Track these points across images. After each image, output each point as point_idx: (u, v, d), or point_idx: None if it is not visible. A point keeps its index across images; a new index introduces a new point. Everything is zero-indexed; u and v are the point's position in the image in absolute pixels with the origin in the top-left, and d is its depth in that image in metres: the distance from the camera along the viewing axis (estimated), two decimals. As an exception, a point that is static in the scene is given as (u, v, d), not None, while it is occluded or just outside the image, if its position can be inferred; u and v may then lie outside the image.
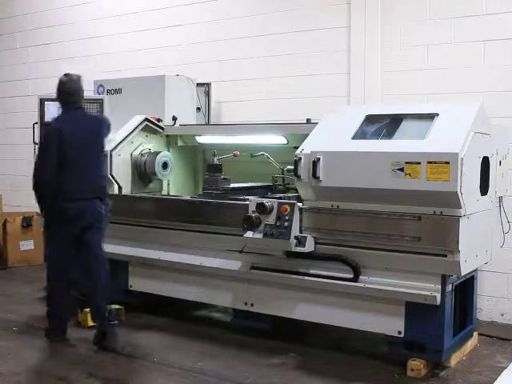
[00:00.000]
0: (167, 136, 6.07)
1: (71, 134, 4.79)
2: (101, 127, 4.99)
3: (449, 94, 5.65)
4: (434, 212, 4.04)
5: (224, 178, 5.33)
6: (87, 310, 5.37)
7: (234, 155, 5.46)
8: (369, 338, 4.92)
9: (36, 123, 5.82)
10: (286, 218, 4.51)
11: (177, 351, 4.79)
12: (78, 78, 4.95)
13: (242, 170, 5.79)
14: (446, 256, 4.06)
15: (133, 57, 7.73)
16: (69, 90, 4.87)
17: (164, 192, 5.98)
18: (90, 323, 5.33)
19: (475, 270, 4.80)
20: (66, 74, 4.94)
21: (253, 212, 4.62)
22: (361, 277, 4.42)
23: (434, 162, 3.97)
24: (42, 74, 8.71)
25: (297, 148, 4.60)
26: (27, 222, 8.09)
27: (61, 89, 4.88)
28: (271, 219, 4.56)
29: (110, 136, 5.28)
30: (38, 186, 4.85)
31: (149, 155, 5.74)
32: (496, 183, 4.69)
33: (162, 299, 5.52)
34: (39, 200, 4.92)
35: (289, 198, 4.93)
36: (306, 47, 6.52)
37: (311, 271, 4.62)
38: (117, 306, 5.52)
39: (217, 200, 5.14)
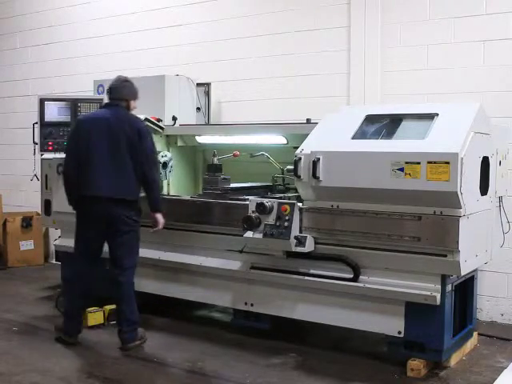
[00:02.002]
0: (167, 136, 6.06)
1: (89, 129, 4.77)
2: (132, 129, 4.78)
3: (449, 94, 5.66)
4: (434, 212, 4.04)
5: (224, 178, 5.33)
6: (87, 309, 5.38)
7: (234, 155, 5.45)
8: (369, 338, 4.92)
9: (36, 123, 5.81)
10: (286, 218, 4.51)
11: (177, 351, 4.79)
12: (120, 78, 5.00)
13: (241, 170, 5.79)
14: (445, 256, 4.06)
15: (133, 57, 7.72)
16: (108, 88, 4.96)
17: (164, 192, 5.97)
18: (90, 323, 5.34)
19: (475, 270, 4.80)
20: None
21: (253, 212, 4.62)
22: (361, 277, 4.42)
23: (434, 162, 3.97)
24: (41, 73, 8.72)
25: (297, 148, 4.60)
26: (27, 222, 8.10)
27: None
28: (271, 219, 4.56)
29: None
30: (63, 179, 4.93)
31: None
32: (496, 183, 4.69)
33: (161, 299, 5.52)
34: (65, 192, 4.93)
35: (289, 198, 4.93)
36: (305, 47, 6.52)
37: (311, 271, 4.62)
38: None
39: (217, 200, 5.14)
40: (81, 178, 4.75)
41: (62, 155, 5.78)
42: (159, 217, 4.91)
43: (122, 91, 4.92)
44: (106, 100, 5.17)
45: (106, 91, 4.98)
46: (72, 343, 4.90)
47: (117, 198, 4.72)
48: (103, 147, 4.72)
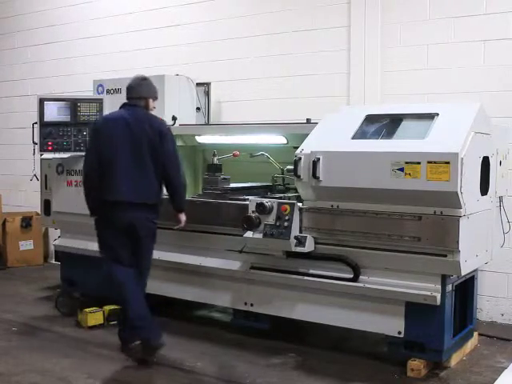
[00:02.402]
0: (167, 136, 6.05)
1: (109, 132, 4.61)
2: (152, 130, 4.61)
3: (449, 94, 5.65)
4: (434, 212, 4.04)
5: (224, 178, 5.33)
6: (87, 309, 5.39)
7: (234, 155, 5.45)
8: (369, 338, 4.91)
9: (35, 123, 5.81)
10: (286, 218, 4.51)
11: (177, 351, 4.78)
12: (138, 77, 4.85)
13: (241, 170, 5.78)
14: (446, 256, 4.06)
15: (132, 57, 7.72)
16: (127, 87, 4.79)
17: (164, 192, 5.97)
18: (90, 323, 5.34)
19: (475, 270, 4.80)
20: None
21: (253, 212, 4.62)
22: (361, 277, 4.42)
23: (434, 162, 3.97)
24: (41, 73, 8.72)
25: (297, 148, 4.60)
26: (27, 222, 8.11)
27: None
28: (271, 219, 4.56)
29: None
30: (83, 183, 4.75)
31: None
32: (496, 183, 4.69)
33: (161, 299, 5.51)
34: (85, 197, 4.74)
35: (289, 198, 4.93)
36: (305, 47, 6.51)
37: (311, 271, 4.62)
38: (117, 306, 5.53)
39: (217, 200, 5.14)
40: (102, 183, 4.57)
41: (62, 155, 5.82)
42: (182, 216, 4.83)
43: (140, 90, 4.76)
44: (106, 100, 5.08)
45: (125, 90, 4.78)
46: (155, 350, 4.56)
47: (139, 203, 4.58)
48: (125, 150, 4.56)
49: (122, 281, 4.61)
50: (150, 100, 4.80)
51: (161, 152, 4.61)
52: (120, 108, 4.79)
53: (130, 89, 4.78)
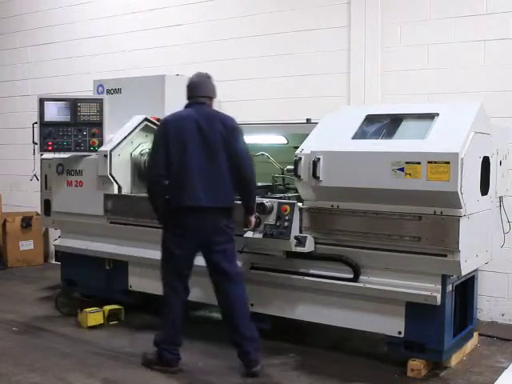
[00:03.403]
0: (167, 136, 6.04)
1: (179, 131, 4.31)
2: (226, 128, 4.34)
3: (449, 94, 5.65)
4: (434, 212, 4.04)
5: (224, 178, 5.30)
6: (87, 309, 5.38)
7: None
8: (369, 338, 4.91)
9: (35, 123, 5.80)
10: (286, 218, 4.51)
11: (177, 351, 4.78)
12: (203, 74, 4.56)
13: (241, 170, 5.77)
14: (446, 256, 4.06)
15: (132, 57, 7.72)
16: (188, 84, 4.51)
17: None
18: (90, 323, 5.33)
19: (475, 270, 4.80)
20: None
21: (253, 212, 4.62)
22: (361, 277, 4.42)
23: (434, 162, 3.97)
24: (41, 73, 8.72)
25: (297, 148, 4.60)
26: (27, 222, 8.11)
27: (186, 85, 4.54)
28: (271, 219, 4.56)
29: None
30: (147, 187, 4.46)
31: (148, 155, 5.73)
32: (496, 183, 4.69)
33: (161, 299, 5.50)
34: (150, 202, 4.45)
35: (289, 198, 4.93)
36: (305, 47, 6.51)
37: (311, 271, 4.62)
38: (117, 306, 5.54)
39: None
40: (174, 187, 4.29)
41: (62, 155, 5.82)
42: (252, 218, 4.54)
43: (207, 88, 4.50)
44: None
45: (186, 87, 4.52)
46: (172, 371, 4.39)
47: (217, 207, 4.30)
48: (198, 151, 4.28)
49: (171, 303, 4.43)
50: (214, 100, 4.57)
51: (234, 150, 4.32)
52: (186, 107, 4.49)
53: (196, 86, 4.48)
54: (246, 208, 4.48)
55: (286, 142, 5.52)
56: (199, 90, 4.48)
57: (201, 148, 4.29)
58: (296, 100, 6.52)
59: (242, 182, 4.40)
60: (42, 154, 6.05)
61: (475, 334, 5.01)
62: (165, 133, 4.36)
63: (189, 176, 4.27)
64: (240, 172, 4.36)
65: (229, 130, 4.35)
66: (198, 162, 4.28)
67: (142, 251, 5.46)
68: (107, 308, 5.46)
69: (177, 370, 4.39)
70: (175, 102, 6.05)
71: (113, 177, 5.51)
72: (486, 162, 4.40)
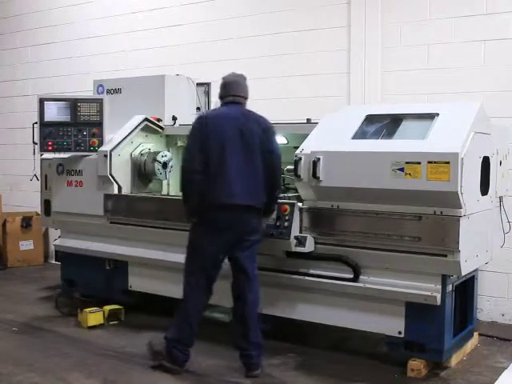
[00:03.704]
0: (167, 136, 6.05)
1: (218, 128, 4.26)
2: (261, 128, 4.34)
3: (449, 94, 5.66)
4: (434, 212, 4.04)
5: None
6: (87, 309, 5.38)
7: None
8: (369, 338, 4.91)
9: (35, 123, 5.80)
10: (286, 218, 4.51)
11: (177, 351, 4.78)
12: (239, 75, 4.58)
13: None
14: (446, 256, 4.06)
15: (132, 56, 7.72)
16: (222, 84, 4.51)
17: (164, 192, 5.97)
18: (90, 323, 5.33)
19: (475, 270, 4.79)
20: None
21: (253, 212, 4.61)
22: (361, 277, 4.42)
23: (434, 162, 3.97)
24: (41, 73, 8.72)
25: (297, 148, 4.60)
26: (27, 222, 8.11)
27: (220, 85, 4.53)
28: (271, 219, 4.55)
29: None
30: (182, 180, 4.37)
31: (148, 155, 5.73)
32: (496, 183, 4.69)
33: (161, 299, 5.51)
34: (182, 194, 4.38)
35: (289, 198, 4.92)
36: (305, 47, 6.52)
37: (311, 271, 4.62)
38: (117, 306, 5.54)
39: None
40: (210, 184, 4.21)
41: (62, 155, 5.82)
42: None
43: (244, 88, 4.51)
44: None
45: (220, 86, 4.52)
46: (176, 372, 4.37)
47: (251, 206, 4.27)
48: (237, 150, 4.24)
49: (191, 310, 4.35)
50: (247, 101, 4.56)
51: (268, 151, 4.34)
52: (223, 105, 4.48)
53: (233, 85, 4.48)
54: (268, 210, 4.45)
55: (286, 142, 5.52)
56: (236, 89, 4.48)
57: (240, 148, 4.27)
58: (296, 100, 6.52)
59: (271, 184, 4.39)
60: (42, 154, 6.06)
61: (475, 334, 5.01)
62: (203, 128, 4.30)
63: (227, 174, 4.22)
64: (271, 173, 4.37)
65: (264, 130, 4.37)
66: (237, 162, 4.25)
67: (142, 251, 5.47)
68: (107, 308, 5.46)
69: (181, 370, 4.37)
70: (175, 101, 6.11)
71: (113, 177, 5.52)
72: (486, 162, 4.40)
